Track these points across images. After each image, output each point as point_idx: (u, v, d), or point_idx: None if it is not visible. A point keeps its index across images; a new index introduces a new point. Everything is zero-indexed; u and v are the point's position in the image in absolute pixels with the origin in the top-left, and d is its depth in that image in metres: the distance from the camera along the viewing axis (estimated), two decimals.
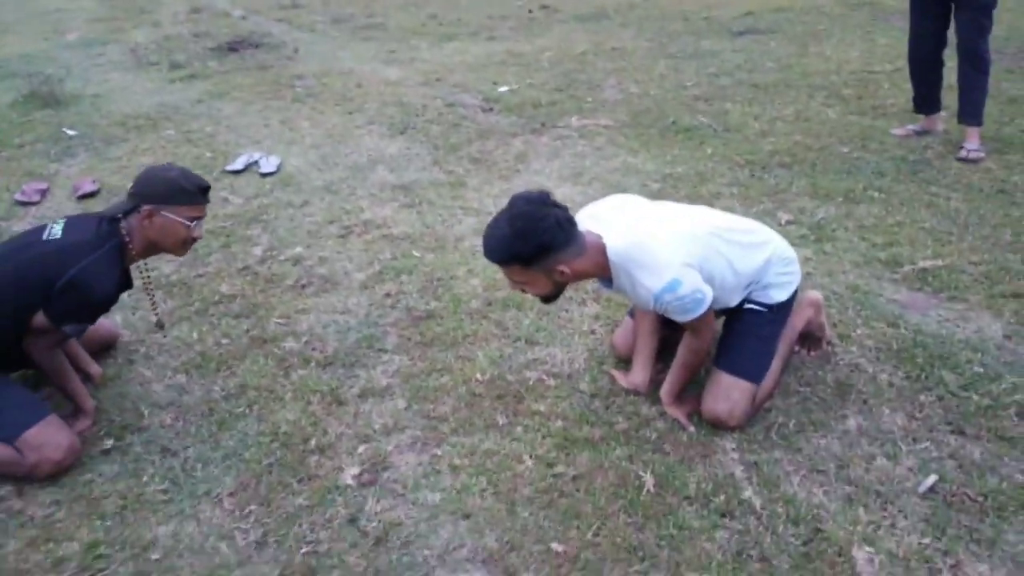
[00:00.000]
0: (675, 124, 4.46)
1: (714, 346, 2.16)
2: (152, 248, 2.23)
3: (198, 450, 2.15)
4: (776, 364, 2.15)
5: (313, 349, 2.58)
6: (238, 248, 3.28)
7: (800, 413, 2.12)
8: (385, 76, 5.91)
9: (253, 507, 1.95)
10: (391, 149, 4.34)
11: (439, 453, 2.08)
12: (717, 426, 2.07)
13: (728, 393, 2.06)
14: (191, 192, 2.20)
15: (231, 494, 1.99)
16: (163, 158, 4.37)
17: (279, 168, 4.14)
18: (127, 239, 2.17)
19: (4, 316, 2.08)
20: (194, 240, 2.26)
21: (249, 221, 3.54)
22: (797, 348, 2.36)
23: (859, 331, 2.43)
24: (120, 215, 2.18)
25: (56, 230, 2.14)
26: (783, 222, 3.18)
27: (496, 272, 2.94)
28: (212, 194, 3.79)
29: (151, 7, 9.75)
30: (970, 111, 3.71)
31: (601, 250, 1.89)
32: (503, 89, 5.27)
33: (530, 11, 7.75)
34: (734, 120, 4.47)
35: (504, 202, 3.40)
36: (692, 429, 2.09)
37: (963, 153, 3.67)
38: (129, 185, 2.25)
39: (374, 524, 1.87)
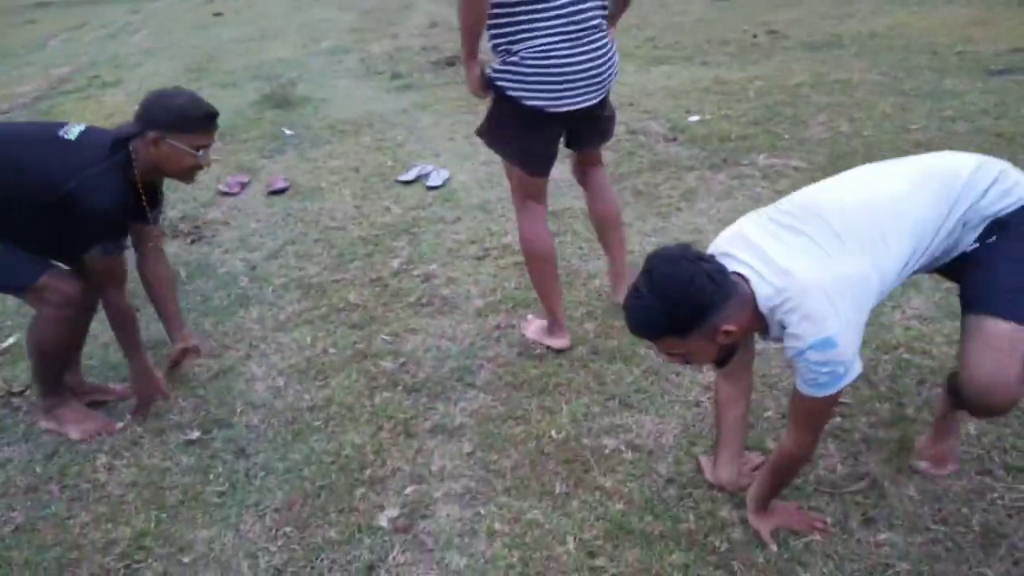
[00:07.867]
0: None
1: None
2: (157, 172, 2.19)
3: (267, 456, 2.19)
4: None
5: (406, 372, 2.54)
6: (379, 258, 3.36)
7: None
8: None
9: (288, 529, 1.93)
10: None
11: (483, 512, 1.93)
12: (980, 408, 1.61)
13: (987, 344, 1.52)
14: (199, 119, 2.12)
15: (276, 510, 2.00)
16: (350, 163, 4.65)
17: (446, 183, 4.20)
18: (133, 159, 2.12)
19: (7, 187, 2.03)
20: (200, 168, 2.19)
21: (399, 233, 3.61)
22: None
23: None
24: (127, 137, 2.12)
25: (74, 131, 2.12)
26: None
27: (613, 318, 2.71)
28: (376, 202, 4.00)
29: (399, 20, 10.55)
30: None
31: (751, 300, 1.58)
32: (694, 119, 4.94)
33: (755, 36, 7.22)
34: None
35: (653, 241, 3.12)
36: (774, 548, 1.73)
37: None
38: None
39: None
